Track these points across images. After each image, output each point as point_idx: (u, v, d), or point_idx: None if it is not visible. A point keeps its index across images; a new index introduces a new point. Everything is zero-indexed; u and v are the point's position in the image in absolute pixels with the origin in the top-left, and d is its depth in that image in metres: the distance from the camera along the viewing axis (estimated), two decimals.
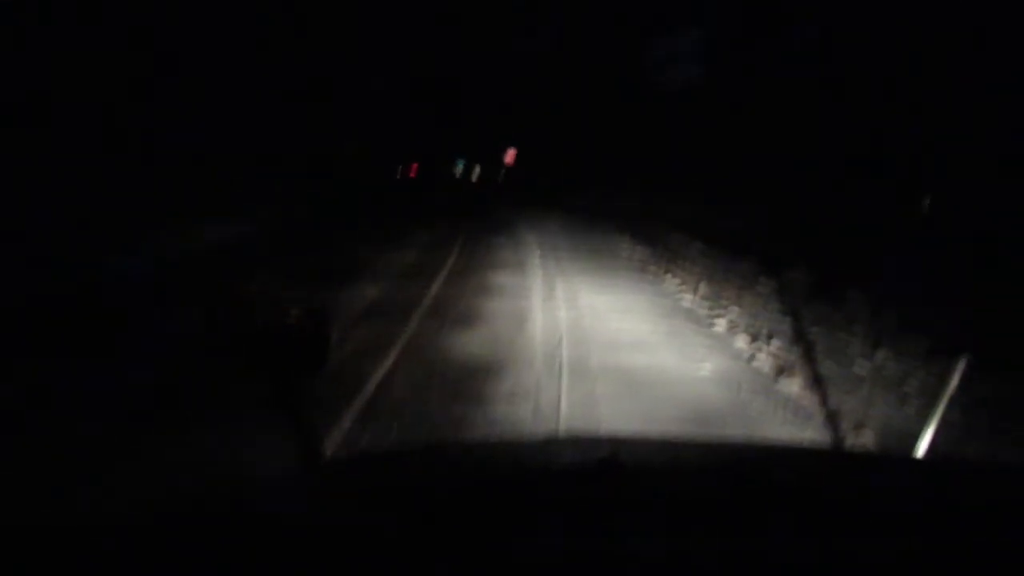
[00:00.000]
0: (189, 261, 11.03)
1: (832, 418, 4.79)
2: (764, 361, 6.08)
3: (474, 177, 50.88)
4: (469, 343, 6.31)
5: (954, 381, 1.73)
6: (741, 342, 6.68)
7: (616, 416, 4.55)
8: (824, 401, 5.14)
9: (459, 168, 52.81)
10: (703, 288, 9.28)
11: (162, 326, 6.58)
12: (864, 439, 4.47)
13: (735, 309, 8.15)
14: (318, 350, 1.29)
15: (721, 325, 7.34)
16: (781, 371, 5.78)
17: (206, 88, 19.93)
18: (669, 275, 10.13)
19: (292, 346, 1.25)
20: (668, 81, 20.21)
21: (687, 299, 8.63)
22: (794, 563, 0.87)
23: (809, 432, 4.50)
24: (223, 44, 20.39)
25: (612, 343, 6.34)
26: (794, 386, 5.46)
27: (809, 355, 6.42)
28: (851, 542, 0.91)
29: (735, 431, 4.39)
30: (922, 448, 1.56)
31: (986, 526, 0.97)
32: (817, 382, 5.58)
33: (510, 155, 46.98)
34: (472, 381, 5.27)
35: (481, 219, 19.38)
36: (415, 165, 50.72)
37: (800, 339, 6.99)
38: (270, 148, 25.03)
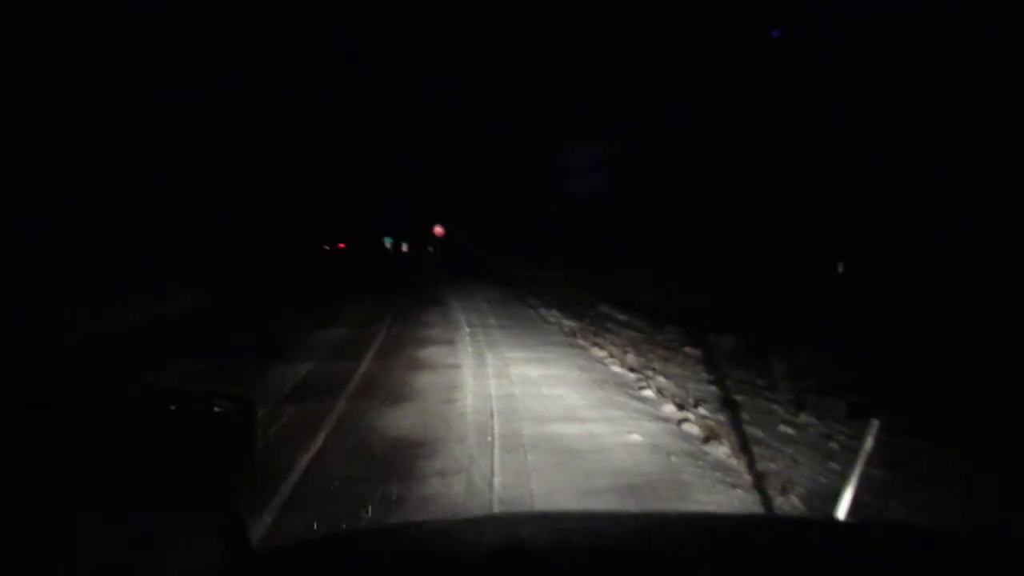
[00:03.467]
0: (119, 342, 10.73)
1: (760, 481, 4.88)
2: (692, 427, 6.19)
3: (404, 248, 55.35)
4: (400, 420, 6.24)
5: (868, 442, 1.81)
6: (669, 409, 6.79)
7: (549, 488, 4.54)
8: (751, 464, 5.25)
9: (388, 243, 56.13)
10: (631, 358, 9.43)
11: (82, 416, 6.33)
12: (791, 501, 4.57)
13: (662, 377, 8.30)
14: (246, 441, 1.25)
15: (649, 393, 7.45)
16: (709, 437, 5.89)
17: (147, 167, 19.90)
18: (597, 347, 10.27)
19: (218, 438, 1.22)
20: (580, 184, 23.03)
21: (615, 368, 8.75)
22: None
23: (738, 494, 4.57)
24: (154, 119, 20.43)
25: (543, 414, 6.36)
26: (722, 451, 5.56)
27: (736, 420, 6.57)
28: None
29: (666, 496, 4.43)
30: (843, 507, 1.62)
31: None
32: (744, 446, 5.70)
33: (439, 230, 48.35)
34: (404, 459, 5.20)
35: (410, 290, 19.34)
36: (342, 245, 53.48)
37: (727, 405, 7.15)
38: (213, 225, 25.10)
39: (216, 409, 1.19)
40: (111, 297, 13.36)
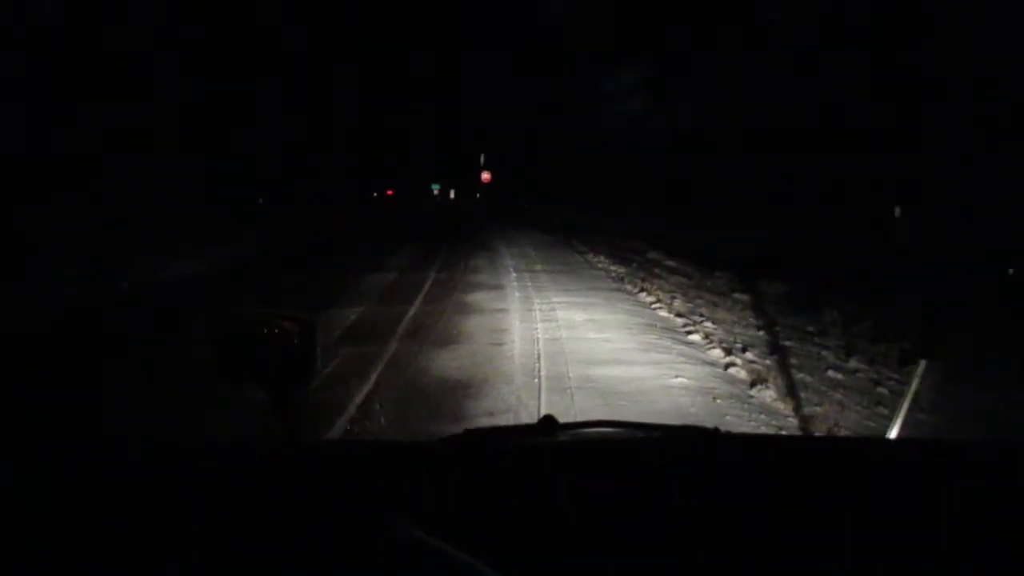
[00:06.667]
0: (186, 283, 11.37)
1: (806, 424, 4.89)
2: (739, 371, 6.19)
3: (451, 195, 57.92)
4: (449, 362, 6.36)
5: (915, 384, 1.81)
6: (716, 353, 6.79)
7: None
8: (798, 408, 5.25)
9: (436, 190, 58.76)
10: (678, 303, 9.41)
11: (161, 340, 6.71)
12: None
13: (709, 323, 8.27)
14: (307, 358, 1.33)
15: (696, 337, 7.45)
16: (756, 381, 5.88)
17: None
18: (644, 292, 10.25)
19: (282, 355, 1.30)
20: (619, 113, 21.81)
21: (662, 313, 8.74)
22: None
23: None
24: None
25: (589, 357, 6.42)
26: (769, 394, 5.56)
27: (784, 365, 6.55)
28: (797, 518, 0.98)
29: None
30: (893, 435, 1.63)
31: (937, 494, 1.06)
32: (791, 390, 5.70)
33: (486, 176, 48.74)
34: (453, 400, 5.33)
35: (457, 237, 19.47)
36: (390, 192, 56.18)
37: (775, 350, 7.12)
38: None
39: (276, 330, 1.28)
40: (160, 254, 13.96)
